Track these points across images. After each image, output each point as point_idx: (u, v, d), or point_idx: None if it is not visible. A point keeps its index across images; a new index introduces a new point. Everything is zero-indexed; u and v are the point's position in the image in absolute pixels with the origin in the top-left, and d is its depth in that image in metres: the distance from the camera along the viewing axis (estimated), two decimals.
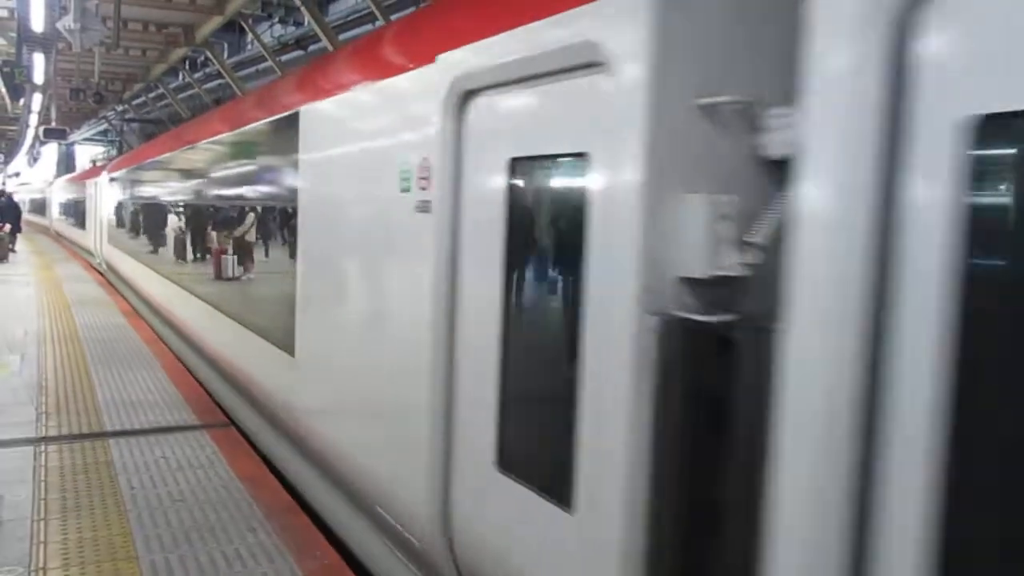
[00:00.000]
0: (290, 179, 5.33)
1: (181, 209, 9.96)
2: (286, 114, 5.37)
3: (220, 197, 7.95)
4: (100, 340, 9.38)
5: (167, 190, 10.95)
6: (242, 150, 6.96)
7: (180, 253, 9.72)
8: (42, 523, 4.17)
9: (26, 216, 41.26)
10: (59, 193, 33.56)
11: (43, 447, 5.40)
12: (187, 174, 9.55)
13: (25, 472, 4.91)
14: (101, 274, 17.92)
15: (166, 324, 10.55)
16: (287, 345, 5.12)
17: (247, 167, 6.87)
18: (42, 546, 3.91)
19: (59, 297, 13.21)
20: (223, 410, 6.65)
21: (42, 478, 4.82)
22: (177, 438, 5.68)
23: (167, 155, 10.75)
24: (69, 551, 3.87)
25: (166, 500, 4.55)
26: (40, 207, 42.91)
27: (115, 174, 16.49)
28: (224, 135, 7.46)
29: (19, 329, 9.79)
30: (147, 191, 12.68)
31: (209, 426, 6.02)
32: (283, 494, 4.71)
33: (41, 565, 3.72)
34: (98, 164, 27.24)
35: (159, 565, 3.77)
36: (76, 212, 25.63)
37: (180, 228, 9.87)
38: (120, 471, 5.00)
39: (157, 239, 11.46)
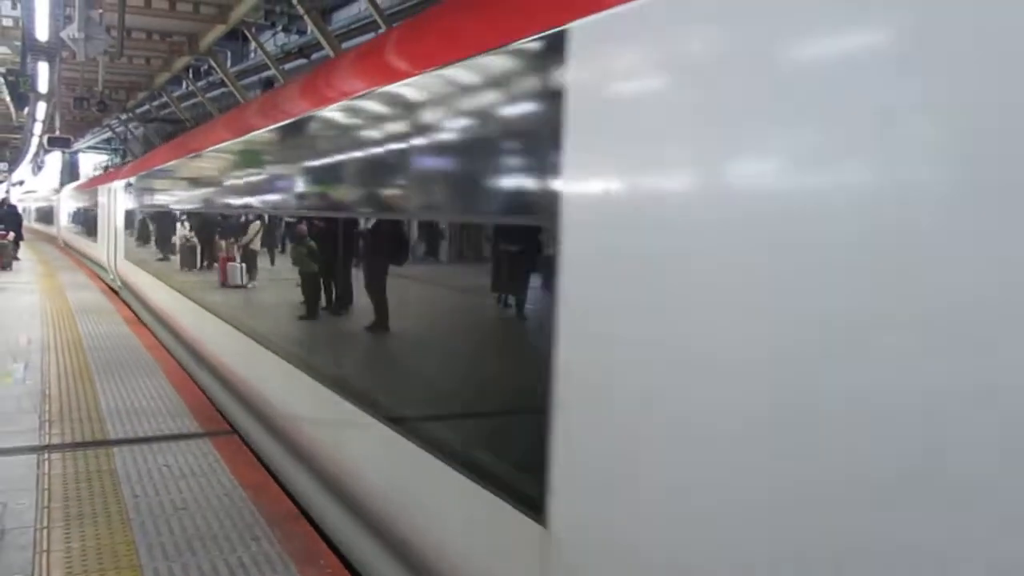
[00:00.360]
0: (516, 172, 2.92)
1: (246, 222, 7.09)
2: (509, 48, 2.78)
3: (319, 204, 5.10)
4: (103, 348, 9.39)
5: (224, 196, 7.75)
6: (382, 126, 3.99)
7: (254, 281, 6.91)
8: (45, 531, 4.17)
9: (33, 226, 41.49)
10: (67, 201, 31.09)
11: (46, 455, 5.40)
12: (253, 171, 6.67)
13: (28, 480, 4.91)
14: (115, 291, 16.10)
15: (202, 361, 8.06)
16: (516, 492, 2.66)
17: (386, 156, 3.98)
18: (45, 555, 3.91)
19: (62, 305, 13.23)
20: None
21: (45, 486, 4.82)
22: (180, 446, 5.68)
23: (215, 148, 7.78)
24: (72, 560, 3.87)
25: (169, 508, 4.54)
26: (47, 216, 41.06)
27: (134, 178, 14.07)
28: (344, 103, 4.43)
29: (22, 337, 9.81)
30: (187, 197, 9.84)
31: (212, 434, 6.02)
32: (286, 502, 4.71)
33: (44, 574, 3.72)
34: (112, 168, 26.22)
35: (162, 573, 3.77)
36: (86, 222, 23.72)
37: (243, 247, 7.07)
38: (123, 479, 4.99)
39: (206, 261, 8.70)
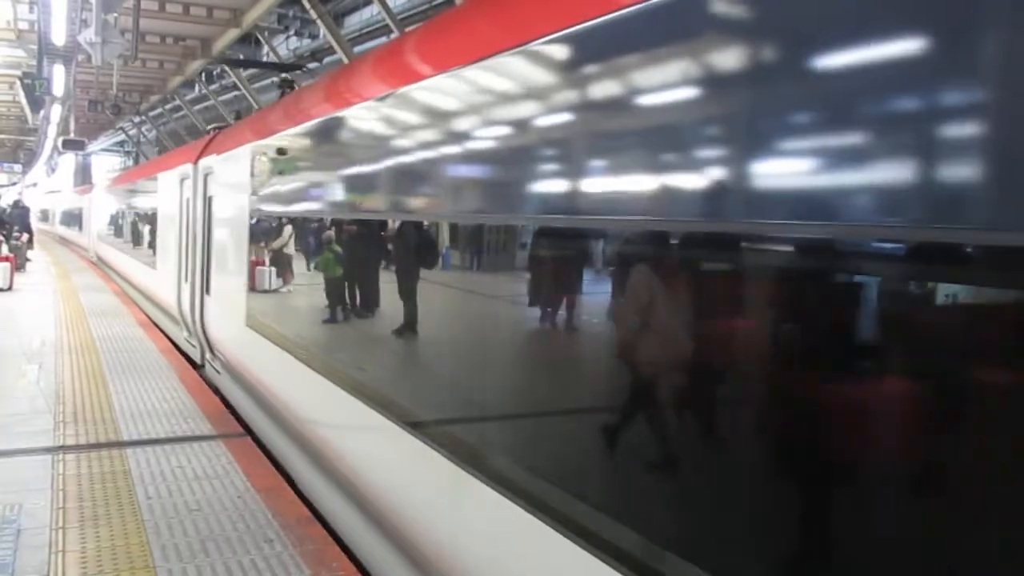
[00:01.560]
0: None
1: None
2: None
3: None
4: (117, 350, 9.45)
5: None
6: None
7: None
8: (60, 532, 4.20)
9: (58, 230, 41.21)
10: (105, 201, 20.74)
11: (61, 456, 5.44)
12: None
13: (43, 480, 4.95)
14: (196, 365, 9.04)
15: None
16: None
17: None
18: (61, 555, 3.94)
19: (76, 307, 13.31)
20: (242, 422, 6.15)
21: (60, 487, 4.86)
22: (193, 448, 5.71)
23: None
24: (87, 560, 3.90)
25: (183, 510, 4.57)
26: (75, 219, 30.46)
27: (290, 134, 5.73)
28: None
29: (37, 339, 9.88)
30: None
31: (225, 436, 6.05)
32: (299, 505, 4.72)
33: (60, 574, 3.75)
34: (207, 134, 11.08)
35: (176, 575, 3.79)
36: (137, 231, 14.78)
37: None
38: (137, 480, 5.02)
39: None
